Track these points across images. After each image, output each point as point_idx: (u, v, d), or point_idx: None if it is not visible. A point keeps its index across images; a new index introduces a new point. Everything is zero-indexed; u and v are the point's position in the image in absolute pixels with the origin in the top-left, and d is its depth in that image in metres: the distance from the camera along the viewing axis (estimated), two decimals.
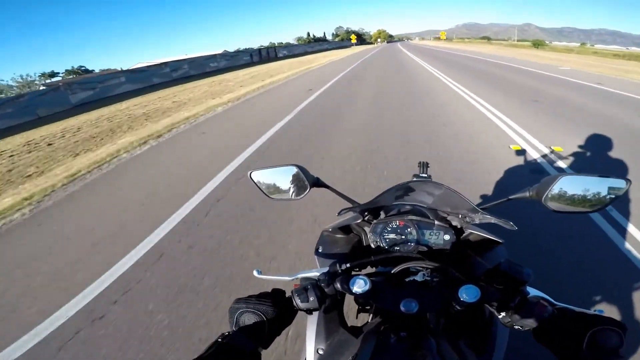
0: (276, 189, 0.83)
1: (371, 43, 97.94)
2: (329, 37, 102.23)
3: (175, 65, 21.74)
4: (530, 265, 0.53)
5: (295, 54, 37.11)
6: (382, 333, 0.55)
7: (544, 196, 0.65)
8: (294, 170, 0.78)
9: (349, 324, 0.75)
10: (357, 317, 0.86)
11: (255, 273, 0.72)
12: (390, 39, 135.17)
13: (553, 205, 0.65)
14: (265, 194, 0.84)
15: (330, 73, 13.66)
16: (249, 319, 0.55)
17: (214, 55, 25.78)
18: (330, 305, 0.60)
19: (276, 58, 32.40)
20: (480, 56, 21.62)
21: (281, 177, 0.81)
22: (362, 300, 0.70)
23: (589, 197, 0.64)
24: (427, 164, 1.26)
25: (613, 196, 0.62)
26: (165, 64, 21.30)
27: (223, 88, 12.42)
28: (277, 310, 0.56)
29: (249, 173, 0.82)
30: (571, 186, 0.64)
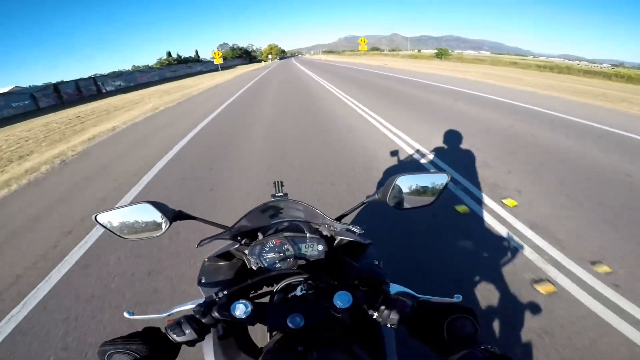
0: (131, 229, 0.72)
1: (260, 60, 71.77)
2: (207, 57, 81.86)
3: None
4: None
5: (139, 85, 23.85)
6: (279, 350, 0.56)
7: (387, 197, 0.72)
8: (148, 206, 0.69)
9: (261, 345, 0.71)
10: (269, 337, 0.78)
11: (126, 314, 0.67)
12: (282, 54, 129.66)
13: (395, 203, 0.73)
14: (118, 236, 0.72)
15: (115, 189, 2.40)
16: (120, 359, 0.50)
17: None
18: (225, 332, 0.60)
19: (99, 95, 18.99)
20: (406, 75, 14.56)
21: (135, 216, 0.71)
22: (250, 323, 0.60)
23: (422, 192, 0.73)
24: (282, 182, 1.19)
25: (441, 188, 0.72)
26: None
27: None
28: (150, 347, 0.52)
29: (93, 216, 0.69)
30: (407, 185, 0.72)
